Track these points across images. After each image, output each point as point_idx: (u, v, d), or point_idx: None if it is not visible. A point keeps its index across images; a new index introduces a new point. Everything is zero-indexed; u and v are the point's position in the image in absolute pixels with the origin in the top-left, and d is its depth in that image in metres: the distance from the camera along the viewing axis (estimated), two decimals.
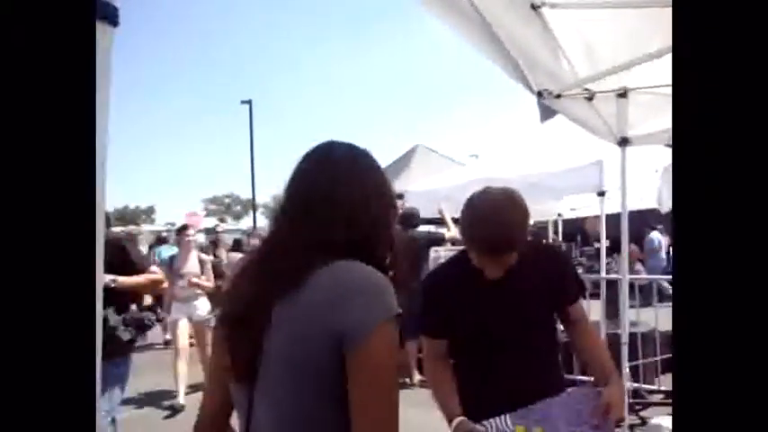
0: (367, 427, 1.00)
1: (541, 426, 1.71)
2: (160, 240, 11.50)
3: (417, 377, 6.05)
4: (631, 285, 5.03)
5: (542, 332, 1.98)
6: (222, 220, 59.09)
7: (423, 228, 6.70)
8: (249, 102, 23.07)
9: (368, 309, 1.02)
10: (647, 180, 4.81)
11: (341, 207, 1.15)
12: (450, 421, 1.75)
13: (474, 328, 1.87)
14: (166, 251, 10.34)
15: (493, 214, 1.68)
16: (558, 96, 2.80)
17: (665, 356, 5.44)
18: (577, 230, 11.67)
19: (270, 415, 1.10)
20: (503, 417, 1.72)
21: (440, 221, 6.97)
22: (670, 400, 4.90)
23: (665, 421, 2.00)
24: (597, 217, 6.56)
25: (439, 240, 6.34)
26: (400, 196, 7.58)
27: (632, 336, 4.80)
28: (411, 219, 6.32)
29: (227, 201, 64.57)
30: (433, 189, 7.52)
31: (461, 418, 1.72)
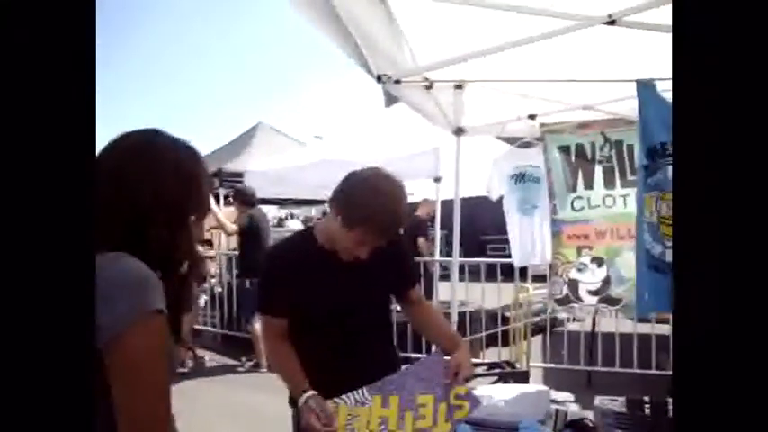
0: (127, 426, 0.97)
1: (397, 394, 1.77)
2: None
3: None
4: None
5: (384, 312, 2.06)
6: None
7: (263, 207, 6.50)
8: None
9: (121, 304, 0.96)
10: (480, 169, 5.09)
11: (124, 189, 1.08)
12: (298, 396, 1.73)
13: (323, 308, 1.85)
14: None
15: (399, 201, 1.70)
16: (398, 82, 2.85)
17: (489, 331, 5.88)
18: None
19: None
20: (360, 390, 1.76)
21: (280, 202, 6.85)
22: (492, 371, 5.30)
23: (487, 391, 2.17)
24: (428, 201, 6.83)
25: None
26: (239, 175, 7.35)
27: (461, 314, 5.13)
28: (251, 198, 6.07)
29: None
30: (274, 169, 7.38)
31: (311, 392, 1.71)
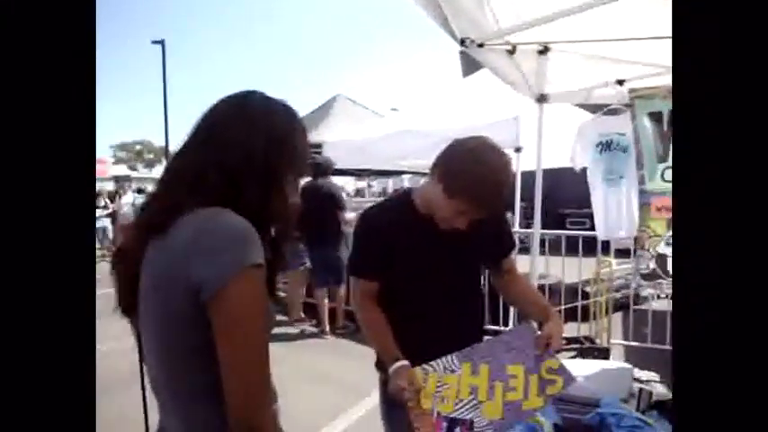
0: (231, 376, 1.01)
1: (487, 362, 1.74)
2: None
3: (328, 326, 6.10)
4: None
5: (476, 280, 2.03)
6: (133, 168, 56.66)
7: (337, 179, 6.56)
8: (161, 42, 21.68)
9: (224, 258, 1.00)
10: (562, 138, 4.93)
11: (217, 146, 1.12)
12: (389, 363, 1.74)
13: (416, 273, 1.85)
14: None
15: (502, 173, 1.65)
16: (481, 46, 2.77)
17: (568, 305, 5.74)
18: None
19: (148, 350, 1.13)
20: (449, 356, 1.73)
21: (358, 173, 6.93)
22: (571, 346, 5.21)
23: (566, 365, 2.12)
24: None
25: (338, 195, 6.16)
26: (317, 146, 7.46)
27: (540, 287, 5.02)
28: (318, 168, 6.15)
29: (138, 148, 61.60)
30: (352, 140, 7.44)
31: (404, 362, 1.71)
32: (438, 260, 1.84)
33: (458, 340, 1.79)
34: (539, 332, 1.80)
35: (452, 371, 1.73)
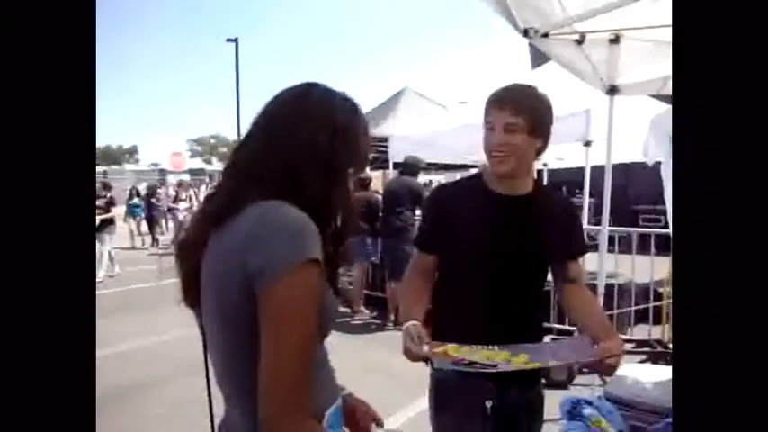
0: (266, 369, 0.97)
1: (528, 352, 1.63)
2: None
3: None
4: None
5: (537, 276, 1.92)
6: (208, 162, 58.81)
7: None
8: (235, 40, 22.36)
9: (280, 251, 0.98)
10: (635, 131, 4.71)
11: (278, 139, 1.11)
12: (404, 323, 1.71)
13: (475, 251, 1.78)
14: None
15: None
16: (546, 36, 2.66)
17: (638, 307, 5.51)
18: (562, 181, 11.67)
19: (210, 342, 1.14)
20: (492, 346, 1.64)
21: (426, 167, 6.91)
22: (640, 349, 5.00)
23: (633, 370, 1.99)
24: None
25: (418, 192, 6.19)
26: (384, 140, 7.47)
27: (609, 286, 4.84)
28: (406, 167, 6.27)
29: (212, 142, 63.86)
30: (419, 133, 7.40)
31: (414, 321, 1.68)
32: (500, 241, 1.76)
33: (506, 329, 1.72)
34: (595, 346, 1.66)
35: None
